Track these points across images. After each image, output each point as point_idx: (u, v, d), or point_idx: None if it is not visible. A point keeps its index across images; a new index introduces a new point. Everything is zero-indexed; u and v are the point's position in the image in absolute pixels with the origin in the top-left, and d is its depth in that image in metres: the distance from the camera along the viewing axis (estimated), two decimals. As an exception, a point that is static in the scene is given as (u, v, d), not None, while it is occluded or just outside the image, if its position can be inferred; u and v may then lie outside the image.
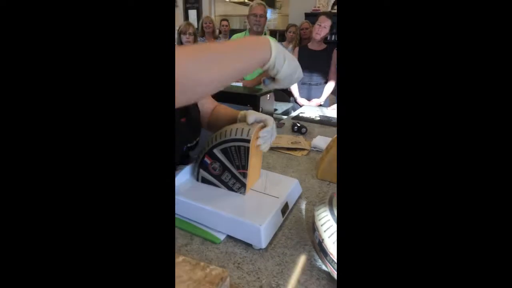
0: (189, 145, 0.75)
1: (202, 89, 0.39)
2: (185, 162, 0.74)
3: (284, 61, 0.46)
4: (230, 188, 0.63)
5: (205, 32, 2.87)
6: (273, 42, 0.45)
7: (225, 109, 0.75)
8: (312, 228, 0.56)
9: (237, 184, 0.62)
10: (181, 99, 0.36)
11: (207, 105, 0.77)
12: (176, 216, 0.62)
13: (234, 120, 0.66)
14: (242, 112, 0.67)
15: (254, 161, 0.63)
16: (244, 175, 0.60)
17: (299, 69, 0.50)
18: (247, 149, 0.58)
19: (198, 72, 0.37)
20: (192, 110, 0.73)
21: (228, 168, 0.61)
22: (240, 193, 0.62)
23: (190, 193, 0.62)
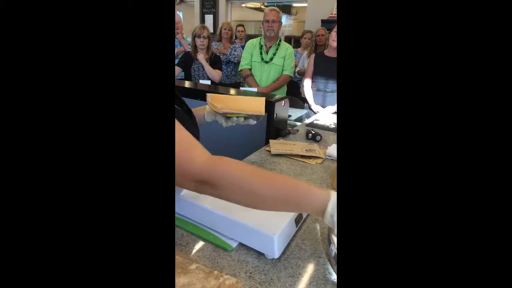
0: None
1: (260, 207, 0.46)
2: None
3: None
4: None
5: (223, 38, 2.90)
6: (332, 202, 0.43)
7: None
8: (328, 240, 0.54)
9: None
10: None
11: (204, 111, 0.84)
12: (188, 220, 0.61)
13: None
14: None
15: None
16: None
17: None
18: None
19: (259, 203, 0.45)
20: (190, 122, 0.75)
21: None
22: None
23: (202, 198, 0.61)
